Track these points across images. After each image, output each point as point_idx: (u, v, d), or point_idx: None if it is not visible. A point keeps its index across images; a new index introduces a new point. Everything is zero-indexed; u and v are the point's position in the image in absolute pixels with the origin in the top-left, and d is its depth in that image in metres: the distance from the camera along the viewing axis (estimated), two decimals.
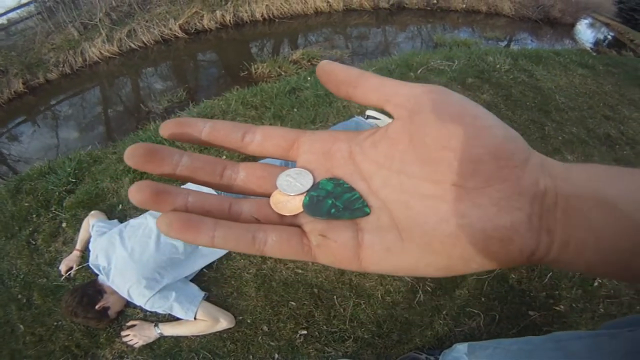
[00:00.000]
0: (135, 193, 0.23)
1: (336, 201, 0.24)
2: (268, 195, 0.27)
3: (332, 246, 0.24)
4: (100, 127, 5.20)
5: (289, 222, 0.26)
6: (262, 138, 0.27)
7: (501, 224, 0.21)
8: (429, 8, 8.56)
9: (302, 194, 0.25)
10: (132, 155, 0.24)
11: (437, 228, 0.22)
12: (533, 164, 0.22)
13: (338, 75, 0.26)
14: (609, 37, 8.73)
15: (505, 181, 0.21)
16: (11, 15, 8.18)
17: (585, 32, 8.85)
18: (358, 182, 0.25)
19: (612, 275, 0.21)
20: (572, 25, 8.63)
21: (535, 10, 8.29)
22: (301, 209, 0.25)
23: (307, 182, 0.26)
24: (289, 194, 0.25)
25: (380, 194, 0.24)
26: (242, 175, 0.27)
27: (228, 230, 0.24)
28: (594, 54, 5.71)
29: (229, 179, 0.27)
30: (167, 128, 0.26)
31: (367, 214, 0.24)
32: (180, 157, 0.25)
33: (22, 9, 8.28)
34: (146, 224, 1.67)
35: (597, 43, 8.08)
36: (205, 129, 0.26)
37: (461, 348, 1.26)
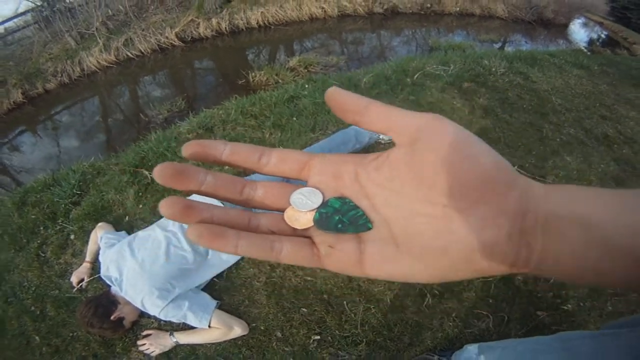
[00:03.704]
0: (167, 207, 0.26)
1: (343, 217, 0.28)
2: (282, 211, 0.30)
3: (338, 255, 0.28)
4: (101, 137, 5.20)
5: (301, 234, 0.29)
6: (277, 160, 0.30)
7: (484, 239, 0.24)
8: (422, 12, 8.64)
9: (312, 210, 0.29)
10: (162, 174, 0.26)
11: (430, 242, 0.25)
12: (517, 187, 0.25)
13: (346, 103, 0.28)
14: (603, 36, 8.81)
15: (489, 203, 0.24)
16: (8, 24, 8.19)
17: (579, 32, 8.93)
18: (362, 201, 0.28)
19: (588, 282, 0.24)
20: (566, 25, 8.71)
21: (529, 12, 8.37)
22: (312, 224, 0.28)
23: (317, 200, 0.29)
24: (301, 210, 0.29)
25: (381, 212, 0.28)
26: (260, 192, 0.30)
27: (250, 240, 0.27)
28: (589, 53, 5.77)
29: (247, 196, 0.30)
30: (189, 148, 0.28)
31: (370, 229, 0.27)
32: (205, 175, 0.28)
33: (19, 18, 8.28)
34: (155, 236, 1.69)
35: (591, 42, 8.13)
36: (225, 151, 0.29)
37: (472, 349, 1.29)
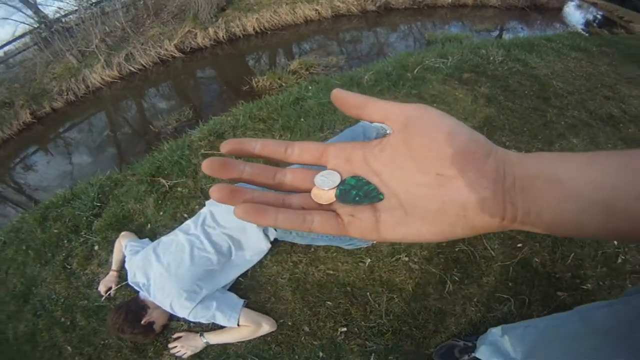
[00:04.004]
0: (217, 192, 0.31)
1: (359, 192, 0.33)
2: (309, 191, 0.35)
3: (358, 223, 0.33)
4: (112, 151, 5.28)
5: (326, 209, 0.34)
6: (300, 151, 0.35)
7: (473, 199, 0.29)
8: (415, 6, 8.61)
9: (333, 188, 0.34)
10: (210, 167, 0.32)
11: (429, 205, 0.31)
12: (493, 156, 0.30)
13: (349, 101, 0.34)
14: (599, 16, 8.68)
15: (472, 169, 0.29)
16: (8, 48, 8.30)
17: (574, 14, 8.83)
18: (372, 178, 0.34)
19: (571, 233, 0.29)
20: (560, 9, 8.65)
21: None
22: (334, 199, 0.34)
23: (336, 179, 0.34)
24: (324, 188, 0.34)
25: (389, 185, 0.33)
26: (289, 177, 0.35)
27: (286, 215, 0.32)
28: (587, 35, 5.75)
29: (279, 181, 0.35)
30: (228, 145, 0.33)
31: (381, 199, 0.33)
32: (244, 166, 0.34)
33: (18, 40, 8.40)
34: (178, 241, 1.74)
35: (587, 24, 8.05)
36: (257, 146, 0.34)
37: (495, 331, 1.33)
